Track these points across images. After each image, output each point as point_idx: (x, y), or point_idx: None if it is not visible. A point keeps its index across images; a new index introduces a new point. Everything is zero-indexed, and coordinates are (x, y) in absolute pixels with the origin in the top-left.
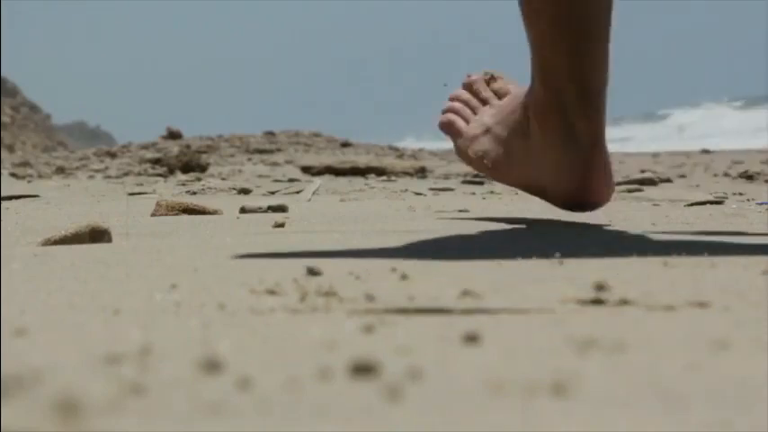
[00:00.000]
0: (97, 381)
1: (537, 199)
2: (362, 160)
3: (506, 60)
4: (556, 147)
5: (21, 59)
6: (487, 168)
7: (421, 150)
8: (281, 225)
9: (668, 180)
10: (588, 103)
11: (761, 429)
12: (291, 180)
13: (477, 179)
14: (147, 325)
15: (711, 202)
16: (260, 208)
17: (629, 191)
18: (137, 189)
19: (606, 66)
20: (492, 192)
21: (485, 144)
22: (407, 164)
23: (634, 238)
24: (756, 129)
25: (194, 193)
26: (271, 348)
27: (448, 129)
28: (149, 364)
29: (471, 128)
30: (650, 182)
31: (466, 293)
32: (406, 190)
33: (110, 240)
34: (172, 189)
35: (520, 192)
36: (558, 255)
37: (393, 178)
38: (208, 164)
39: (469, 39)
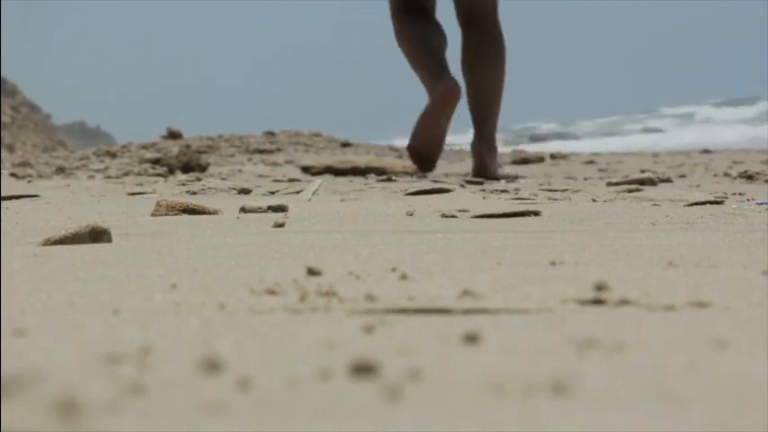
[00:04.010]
0: (97, 381)
1: (536, 199)
2: (362, 160)
3: (509, 60)
4: None
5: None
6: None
7: None
8: (281, 225)
9: (668, 180)
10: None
11: (761, 429)
12: (291, 180)
13: (477, 179)
14: (147, 325)
15: (711, 202)
16: (260, 208)
17: (629, 191)
18: (137, 189)
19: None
20: (492, 192)
21: None
22: (407, 164)
23: (634, 238)
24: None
25: (194, 193)
26: (271, 348)
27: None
28: (149, 364)
29: None
30: (650, 182)
31: (466, 293)
32: (406, 190)
33: (110, 240)
34: (172, 189)
35: (520, 193)
36: (558, 254)
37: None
38: (208, 164)
39: None
